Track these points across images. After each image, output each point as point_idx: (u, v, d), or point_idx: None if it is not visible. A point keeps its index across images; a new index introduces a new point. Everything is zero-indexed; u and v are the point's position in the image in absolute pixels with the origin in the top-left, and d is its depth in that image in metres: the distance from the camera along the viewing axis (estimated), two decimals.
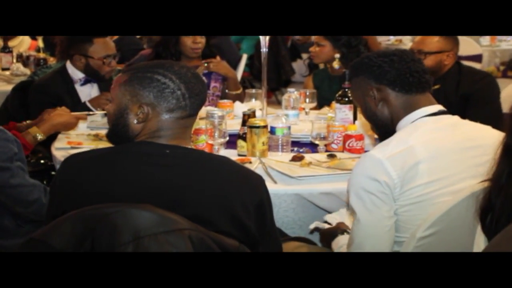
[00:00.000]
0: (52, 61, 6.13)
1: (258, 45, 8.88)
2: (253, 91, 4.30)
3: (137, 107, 2.11)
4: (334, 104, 4.00)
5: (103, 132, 3.65)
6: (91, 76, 4.21)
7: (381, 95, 2.39)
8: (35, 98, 4.13)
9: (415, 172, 2.19)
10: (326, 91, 4.54)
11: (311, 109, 4.22)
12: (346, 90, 3.57)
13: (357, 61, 2.49)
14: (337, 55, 4.64)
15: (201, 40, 4.53)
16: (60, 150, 3.37)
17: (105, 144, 3.41)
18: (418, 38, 4.38)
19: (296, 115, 4.00)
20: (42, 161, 3.65)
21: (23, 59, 6.24)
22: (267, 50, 3.70)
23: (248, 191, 2.08)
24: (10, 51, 6.29)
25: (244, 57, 6.51)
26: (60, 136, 3.61)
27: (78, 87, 4.22)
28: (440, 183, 2.21)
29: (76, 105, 4.14)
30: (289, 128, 3.30)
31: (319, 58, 4.83)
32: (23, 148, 2.91)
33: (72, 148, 3.36)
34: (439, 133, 2.29)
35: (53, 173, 3.60)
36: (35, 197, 2.79)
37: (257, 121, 3.20)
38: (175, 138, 2.13)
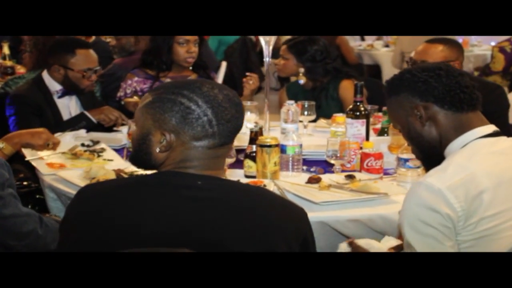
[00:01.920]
0: (19, 69, 5.79)
1: (227, 50, 8.66)
2: (248, 103, 4.02)
3: (160, 133, 1.84)
4: (337, 118, 3.76)
5: (82, 148, 3.35)
6: (69, 88, 3.91)
7: (428, 113, 2.13)
8: (16, 109, 3.80)
9: (479, 203, 1.94)
10: None
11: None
12: (358, 103, 3.32)
13: (397, 77, 2.23)
14: (302, 70, 4.43)
15: (195, 49, 4.29)
16: (48, 174, 3.05)
17: (84, 163, 3.15)
18: (420, 48, 4.16)
19: (296, 129, 3.74)
20: (25, 183, 3.32)
21: None
22: (270, 59, 3.41)
23: (291, 227, 1.82)
24: None
25: (224, 65, 6.23)
26: (38, 161, 3.20)
27: (55, 98, 3.91)
28: (506, 215, 1.95)
29: (56, 117, 3.84)
30: (300, 146, 3.04)
31: (283, 72, 4.64)
32: None
33: (59, 170, 3.05)
34: (499, 157, 2.03)
35: (38, 196, 3.28)
36: (30, 228, 2.47)
37: (268, 140, 2.93)
38: (206, 169, 1.85)
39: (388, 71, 8.67)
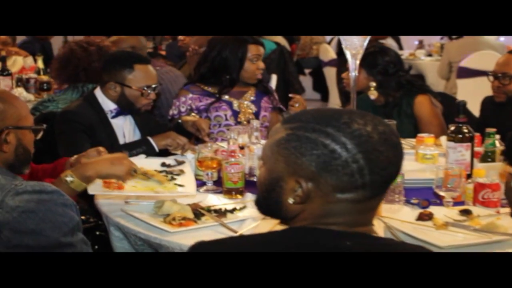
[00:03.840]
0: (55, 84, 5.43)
1: (265, 62, 8.28)
2: None
3: (294, 181, 1.45)
4: (425, 139, 3.37)
5: (161, 168, 2.96)
6: (124, 108, 3.48)
7: None
8: (65, 127, 3.38)
9: None
10: None
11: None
12: (460, 125, 2.90)
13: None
14: (373, 84, 4.00)
15: (263, 65, 4.00)
16: (112, 206, 2.66)
17: (149, 186, 2.71)
18: (501, 59, 3.82)
19: None
20: (82, 217, 2.92)
21: (23, 83, 5.50)
22: (355, 74, 2.98)
23: None
24: (10, 74, 5.49)
25: (274, 77, 5.86)
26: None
27: (109, 118, 3.51)
28: None
29: (111, 139, 3.44)
30: (403, 175, 2.63)
31: None
32: None
33: (125, 200, 2.65)
34: None
35: (99, 233, 2.90)
36: None
37: None
38: (353, 225, 1.47)
39: (433, 81, 8.27)
